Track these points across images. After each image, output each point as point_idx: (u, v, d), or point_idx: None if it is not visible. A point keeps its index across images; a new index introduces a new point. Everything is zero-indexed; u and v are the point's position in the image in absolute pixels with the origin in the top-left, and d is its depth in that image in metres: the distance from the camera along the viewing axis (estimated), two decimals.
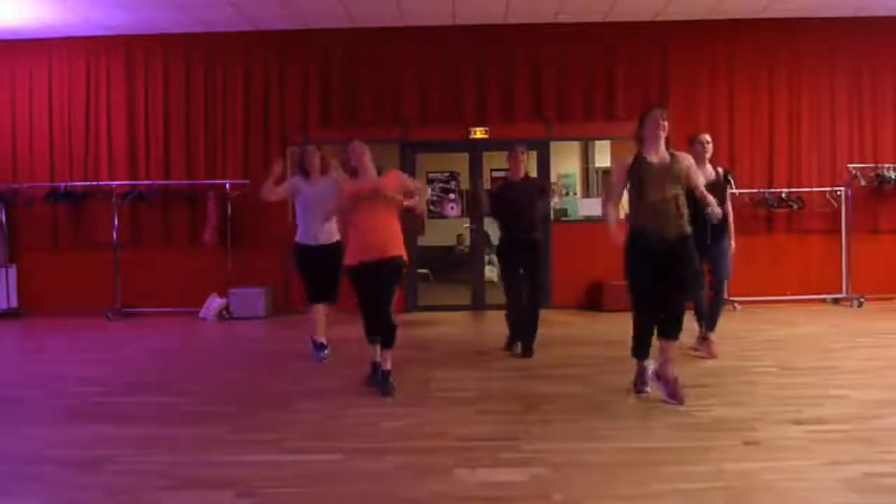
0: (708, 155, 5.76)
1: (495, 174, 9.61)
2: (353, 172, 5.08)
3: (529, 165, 6.92)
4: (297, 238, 6.03)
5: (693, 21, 9.03)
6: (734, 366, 5.55)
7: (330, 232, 5.84)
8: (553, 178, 9.52)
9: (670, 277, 4.47)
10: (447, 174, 10.60)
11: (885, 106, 9.21)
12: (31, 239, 9.32)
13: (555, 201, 7.11)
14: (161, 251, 9.24)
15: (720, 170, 5.87)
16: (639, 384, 4.71)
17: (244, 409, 4.55)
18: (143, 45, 9.25)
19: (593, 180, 11.37)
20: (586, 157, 11.48)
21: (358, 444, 3.82)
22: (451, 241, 12.53)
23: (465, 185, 10.15)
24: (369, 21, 8.88)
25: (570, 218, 9.71)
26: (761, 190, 9.02)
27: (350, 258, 4.99)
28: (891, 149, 9.18)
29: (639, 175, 4.49)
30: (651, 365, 4.67)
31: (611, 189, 4.85)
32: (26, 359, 6.91)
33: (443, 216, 10.51)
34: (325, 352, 6.04)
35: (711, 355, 5.77)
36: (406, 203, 4.96)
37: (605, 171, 10.81)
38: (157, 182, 9.14)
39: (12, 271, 9.27)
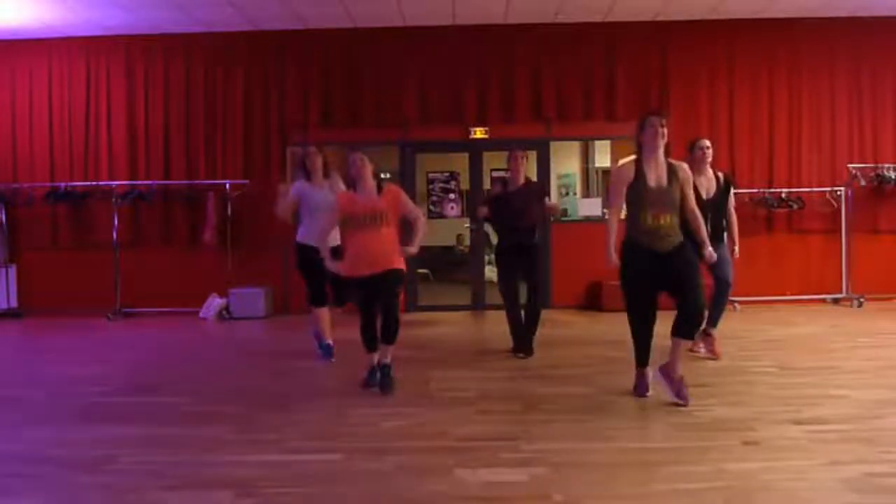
0: (708, 160, 5.74)
1: (495, 174, 9.61)
2: (353, 184, 5.05)
3: (529, 166, 6.92)
4: (298, 238, 6.02)
5: (693, 21, 9.04)
6: (734, 366, 5.55)
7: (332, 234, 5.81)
8: (553, 200, 9.39)
9: (673, 279, 4.46)
10: (447, 174, 10.60)
11: (885, 106, 9.21)
12: (31, 239, 9.32)
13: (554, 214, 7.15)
14: (161, 251, 9.23)
15: (720, 175, 5.84)
16: (640, 388, 4.70)
17: (244, 410, 4.55)
18: (143, 45, 9.26)
19: (593, 180, 11.37)
20: (586, 157, 11.48)
21: (358, 444, 3.81)
22: (451, 241, 12.54)
23: (465, 185, 10.15)
24: (369, 21, 8.88)
25: (570, 218, 9.71)
26: (761, 190, 9.02)
27: (348, 269, 4.97)
28: (891, 149, 9.18)
29: (636, 195, 4.50)
30: (651, 370, 4.67)
31: (610, 199, 4.82)
32: (26, 359, 6.91)
33: (442, 216, 10.51)
34: (333, 353, 6.04)
35: (715, 355, 5.76)
36: (409, 252, 4.97)
37: (605, 171, 10.80)
38: (157, 182, 9.14)
39: (12, 271, 9.27)
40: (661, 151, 4.51)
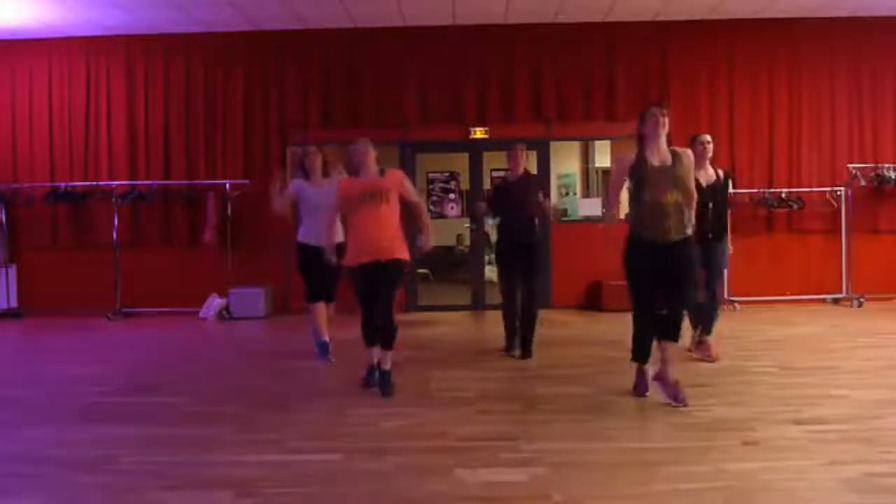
0: (709, 155, 5.74)
1: (495, 174, 9.61)
2: (355, 171, 5.04)
3: (530, 166, 6.92)
4: (299, 237, 6.02)
5: (693, 21, 9.04)
6: (733, 366, 5.54)
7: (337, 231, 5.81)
8: (553, 200, 9.38)
9: (669, 279, 4.46)
10: (447, 174, 10.61)
11: (885, 106, 9.21)
12: (31, 239, 9.32)
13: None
14: (161, 251, 9.23)
15: (720, 171, 5.85)
16: (640, 387, 4.70)
17: (244, 410, 4.55)
18: (143, 45, 9.25)
19: (593, 180, 11.35)
20: (586, 157, 11.45)
21: (358, 444, 3.82)
22: (451, 241, 12.53)
23: (465, 185, 10.15)
24: (369, 21, 8.88)
25: (570, 218, 9.71)
26: (761, 190, 9.02)
27: (349, 259, 4.96)
28: (891, 149, 9.18)
29: (639, 176, 4.47)
30: (651, 369, 4.66)
31: (611, 183, 4.85)
32: (26, 359, 6.91)
33: (443, 216, 10.51)
34: (329, 351, 6.04)
35: (713, 357, 5.72)
36: (426, 249, 4.97)
37: (605, 171, 10.77)
38: (157, 182, 9.14)
39: (12, 271, 9.27)
40: (662, 140, 4.49)
